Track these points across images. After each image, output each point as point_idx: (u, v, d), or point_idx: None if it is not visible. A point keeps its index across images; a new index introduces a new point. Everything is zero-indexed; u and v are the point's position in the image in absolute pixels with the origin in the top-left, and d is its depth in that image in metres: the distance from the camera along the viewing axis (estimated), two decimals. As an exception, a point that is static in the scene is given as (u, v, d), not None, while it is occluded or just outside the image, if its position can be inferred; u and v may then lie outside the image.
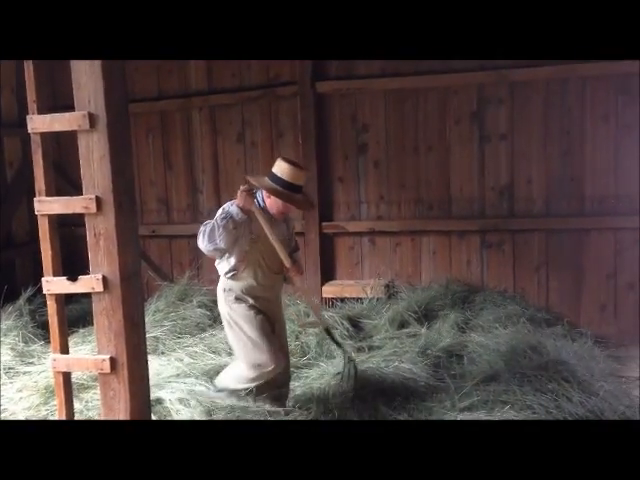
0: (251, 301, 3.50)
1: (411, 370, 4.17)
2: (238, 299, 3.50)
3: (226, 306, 3.52)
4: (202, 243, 3.33)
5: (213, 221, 3.31)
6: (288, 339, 4.80)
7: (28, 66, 2.62)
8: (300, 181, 3.46)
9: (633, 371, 4.35)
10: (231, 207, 3.35)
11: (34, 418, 3.74)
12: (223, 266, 3.53)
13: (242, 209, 3.33)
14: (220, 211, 3.39)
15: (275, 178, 3.42)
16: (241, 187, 3.36)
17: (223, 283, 3.56)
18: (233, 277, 3.50)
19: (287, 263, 3.50)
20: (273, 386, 3.50)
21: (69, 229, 5.36)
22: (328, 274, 6.01)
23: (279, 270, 3.58)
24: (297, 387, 4.04)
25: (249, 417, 3.23)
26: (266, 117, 6.08)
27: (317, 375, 4.20)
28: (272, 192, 3.40)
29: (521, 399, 3.66)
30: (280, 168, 3.42)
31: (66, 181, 6.26)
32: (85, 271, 2.57)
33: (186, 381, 3.83)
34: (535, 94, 5.34)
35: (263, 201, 3.50)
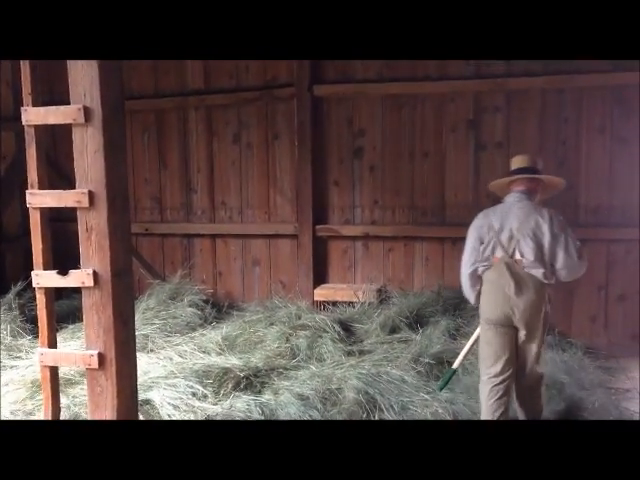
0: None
1: (402, 377, 4.15)
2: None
3: (544, 311, 3.39)
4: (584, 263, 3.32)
5: (573, 240, 3.30)
6: (278, 341, 4.83)
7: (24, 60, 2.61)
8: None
9: (622, 383, 4.36)
10: (552, 212, 3.39)
11: (20, 411, 3.71)
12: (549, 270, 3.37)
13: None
14: (563, 222, 3.37)
15: (535, 170, 3.59)
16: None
17: (544, 287, 3.36)
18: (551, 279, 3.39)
19: None
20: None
21: (62, 224, 5.33)
22: (320, 277, 6.00)
23: None
24: (285, 388, 4.02)
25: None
26: (262, 119, 6.07)
27: (307, 377, 4.18)
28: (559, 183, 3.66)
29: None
30: (528, 161, 3.63)
31: (59, 175, 6.23)
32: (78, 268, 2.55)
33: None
34: (531, 103, 5.36)
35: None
